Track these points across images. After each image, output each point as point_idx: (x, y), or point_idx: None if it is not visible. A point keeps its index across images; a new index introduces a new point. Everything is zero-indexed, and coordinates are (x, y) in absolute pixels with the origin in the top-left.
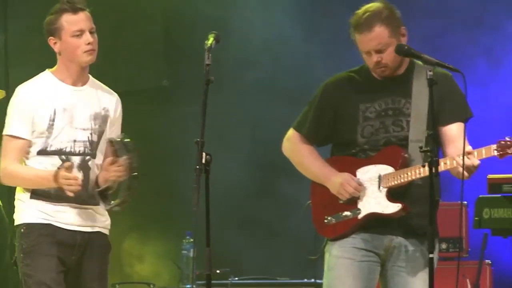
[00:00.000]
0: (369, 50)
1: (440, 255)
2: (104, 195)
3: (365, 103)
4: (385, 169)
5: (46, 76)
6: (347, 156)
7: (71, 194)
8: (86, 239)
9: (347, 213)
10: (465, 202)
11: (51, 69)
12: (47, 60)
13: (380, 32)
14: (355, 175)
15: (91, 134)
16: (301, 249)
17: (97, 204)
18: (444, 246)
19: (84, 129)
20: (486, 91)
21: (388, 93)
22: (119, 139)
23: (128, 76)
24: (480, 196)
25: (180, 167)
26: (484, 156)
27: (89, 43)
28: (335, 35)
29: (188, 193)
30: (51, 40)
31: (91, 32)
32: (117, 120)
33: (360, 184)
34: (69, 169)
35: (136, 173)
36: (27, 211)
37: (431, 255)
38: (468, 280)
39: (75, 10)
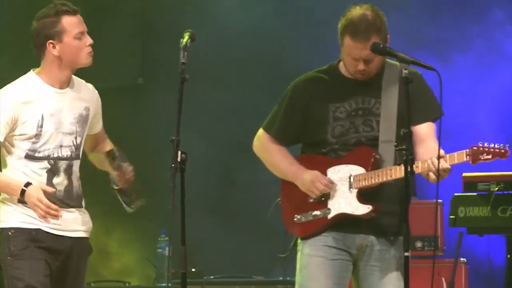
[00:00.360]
0: (359, 58)
1: (415, 253)
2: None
3: (334, 103)
4: (356, 169)
5: (32, 79)
6: (317, 155)
7: (45, 220)
8: (71, 245)
9: (317, 212)
10: (441, 201)
11: (36, 70)
12: (20, 55)
13: (375, 41)
14: (325, 174)
15: (75, 138)
16: (271, 247)
17: (81, 206)
18: (419, 244)
19: (70, 134)
20: None
21: (358, 93)
22: (114, 151)
23: (103, 73)
24: (456, 194)
25: (155, 166)
26: (456, 161)
27: (90, 45)
28: (312, 23)
29: (163, 191)
30: (50, 44)
31: (87, 34)
32: (98, 112)
33: (331, 182)
34: (50, 194)
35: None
36: (15, 215)
37: (406, 254)
38: (443, 279)
39: (74, 12)
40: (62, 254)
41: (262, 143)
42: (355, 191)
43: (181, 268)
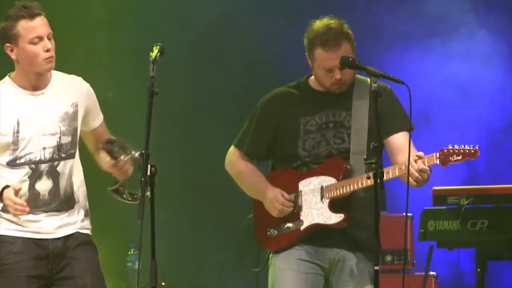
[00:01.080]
0: (334, 67)
1: (385, 267)
2: (118, 192)
3: (305, 116)
4: (328, 180)
5: (6, 84)
6: (288, 169)
7: (16, 217)
8: (61, 245)
9: (289, 224)
10: (410, 214)
11: (11, 75)
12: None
13: (346, 48)
14: (297, 187)
15: (59, 138)
16: (244, 261)
17: (72, 207)
18: (389, 258)
19: (52, 134)
20: None
21: (328, 106)
22: (109, 142)
23: None
24: (425, 208)
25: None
26: (427, 164)
27: (47, 50)
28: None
29: (133, 205)
30: (7, 47)
31: (48, 38)
32: (92, 105)
33: (290, 200)
34: (18, 191)
35: (138, 153)
36: (1, 222)
37: (376, 267)
38: None
39: (31, 16)
40: (51, 258)
41: (233, 160)
42: (327, 201)
43: (151, 282)
